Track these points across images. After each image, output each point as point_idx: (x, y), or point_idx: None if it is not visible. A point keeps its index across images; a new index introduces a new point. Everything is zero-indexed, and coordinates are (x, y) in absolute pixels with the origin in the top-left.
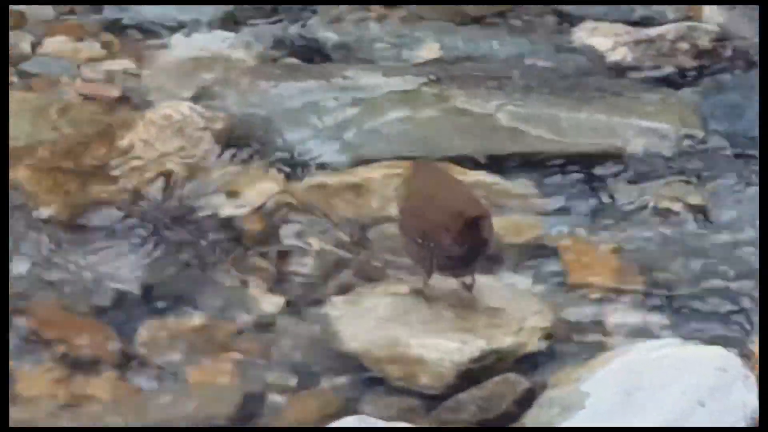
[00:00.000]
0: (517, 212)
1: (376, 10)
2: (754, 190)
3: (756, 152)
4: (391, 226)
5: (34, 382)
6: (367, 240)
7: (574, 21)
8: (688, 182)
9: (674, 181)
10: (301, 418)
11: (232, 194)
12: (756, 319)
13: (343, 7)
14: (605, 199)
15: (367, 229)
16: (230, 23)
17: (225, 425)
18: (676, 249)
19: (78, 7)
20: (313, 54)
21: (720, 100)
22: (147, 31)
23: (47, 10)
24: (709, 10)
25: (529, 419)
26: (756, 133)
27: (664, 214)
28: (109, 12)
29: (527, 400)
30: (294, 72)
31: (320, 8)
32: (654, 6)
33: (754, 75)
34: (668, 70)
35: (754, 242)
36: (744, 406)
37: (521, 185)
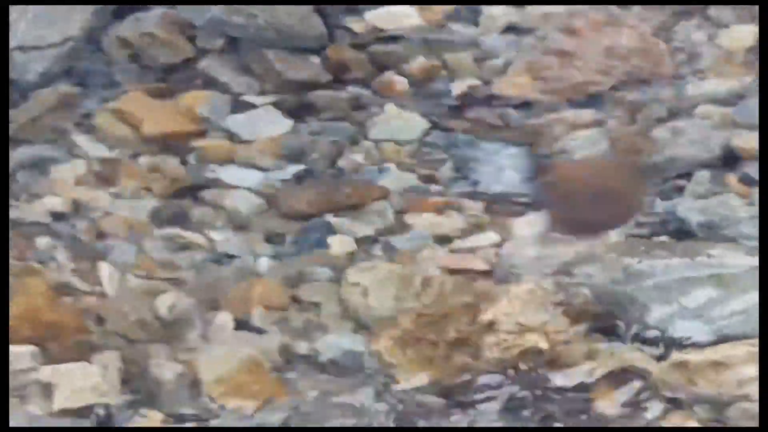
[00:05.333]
0: None
1: (736, 187)
2: None
3: None
4: (751, 406)
5: None
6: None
7: None
8: None
9: None
10: None
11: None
12: None
13: (708, 185)
14: None
15: (726, 407)
16: None
17: None
18: None
19: (440, 175)
20: (677, 232)
21: None
22: (511, 201)
23: (410, 179)
24: None
25: None
26: None
27: None
28: (473, 184)
29: None
30: (658, 249)
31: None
32: None
33: None
34: None
35: None
36: None
37: None
